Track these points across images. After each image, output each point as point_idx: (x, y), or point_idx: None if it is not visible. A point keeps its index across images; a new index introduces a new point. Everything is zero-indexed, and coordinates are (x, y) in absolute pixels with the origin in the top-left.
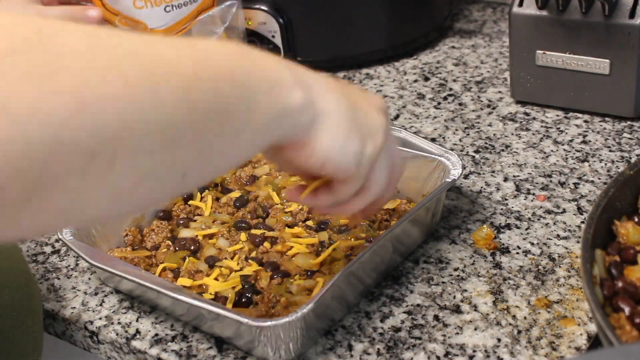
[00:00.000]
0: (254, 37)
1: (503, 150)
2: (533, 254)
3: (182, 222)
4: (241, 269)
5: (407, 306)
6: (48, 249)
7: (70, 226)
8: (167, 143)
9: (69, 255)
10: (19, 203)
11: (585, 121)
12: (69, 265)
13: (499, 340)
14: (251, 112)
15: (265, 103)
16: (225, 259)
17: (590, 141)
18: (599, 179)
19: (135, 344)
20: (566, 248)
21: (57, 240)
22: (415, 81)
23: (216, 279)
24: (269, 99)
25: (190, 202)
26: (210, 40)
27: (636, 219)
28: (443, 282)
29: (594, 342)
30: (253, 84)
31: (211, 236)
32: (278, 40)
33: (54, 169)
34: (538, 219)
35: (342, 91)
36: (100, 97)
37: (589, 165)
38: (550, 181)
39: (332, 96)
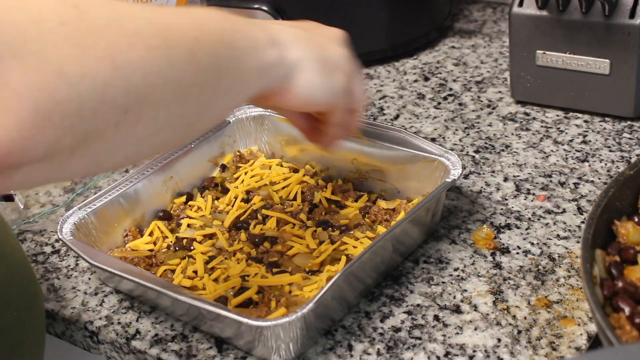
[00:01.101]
0: None
1: (503, 150)
2: (533, 254)
3: (182, 222)
4: (241, 269)
5: (407, 306)
6: (48, 249)
7: (101, 171)
8: (179, 98)
9: (69, 255)
10: (69, 152)
11: (585, 121)
12: (69, 265)
13: (499, 340)
14: (239, 70)
15: (249, 61)
16: (226, 258)
17: (590, 141)
18: (599, 179)
19: (135, 344)
20: (566, 248)
21: (57, 240)
22: (415, 81)
23: (216, 279)
24: (252, 57)
25: (190, 203)
26: (202, 7)
27: (636, 219)
28: (443, 282)
29: (594, 342)
30: (239, 44)
31: (211, 236)
32: None
33: (98, 122)
34: (538, 219)
35: (307, 36)
36: (130, 60)
37: (589, 165)
38: (550, 181)
39: (300, 45)
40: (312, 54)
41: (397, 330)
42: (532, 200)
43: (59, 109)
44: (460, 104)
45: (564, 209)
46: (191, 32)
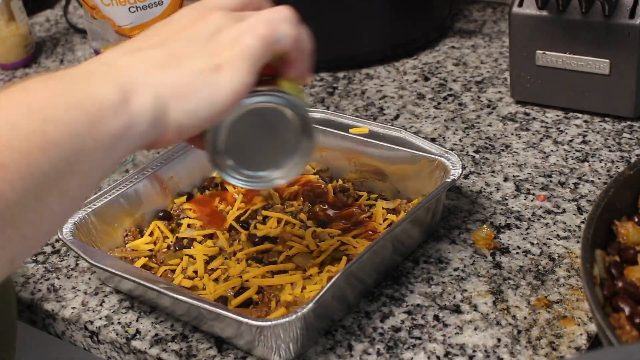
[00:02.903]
0: None
1: (503, 150)
2: (533, 254)
3: (182, 222)
4: (241, 269)
5: (407, 306)
6: (48, 249)
7: None
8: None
9: (69, 255)
10: None
11: (585, 121)
12: (69, 265)
13: (499, 340)
14: (75, 164)
15: (95, 142)
16: (226, 259)
17: (590, 141)
18: (599, 179)
19: (135, 344)
20: (566, 248)
21: (57, 240)
22: (415, 81)
23: (216, 279)
24: (92, 139)
25: (190, 202)
26: (34, 83)
27: (636, 219)
28: (443, 282)
29: (594, 342)
30: (69, 133)
31: (211, 236)
32: None
33: None
34: (538, 219)
35: (164, 54)
36: None
37: (589, 165)
38: (550, 181)
39: (156, 76)
40: (174, 76)
41: (397, 330)
42: (532, 200)
43: None
44: (460, 104)
45: (564, 209)
46: (37, 142)
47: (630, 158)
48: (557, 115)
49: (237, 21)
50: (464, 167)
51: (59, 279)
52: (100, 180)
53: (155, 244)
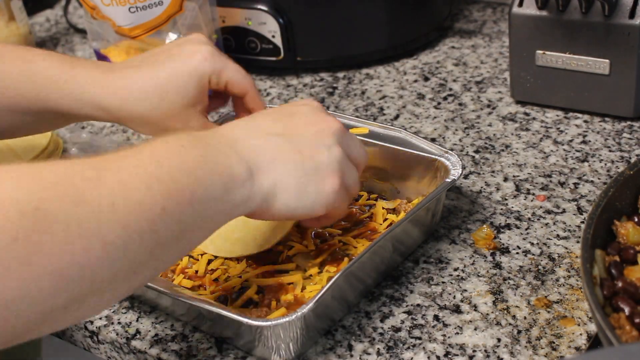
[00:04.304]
0: (254, 37)
1: (503, 150)
2: (533, 254)
3: None
4: (241, 269)
5: (407, 306)
6: None
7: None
8: (129, 275)
9: None
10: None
11: (585, 121)
12: None
13: (499, 340)
14: (207, 220)
15: (219, 207)
16: (226, 259)
17: (590, 141)
18: (599, 179)
19: (135, 344)
20: (566, 248)
21: None
22: (415, 81)
23: (216, 279)
24: (223, 203)
25: None
26: (171, 144)
27: (636, 219)
28: (443, 282)
29: (594, 342)
30: (211, 193)
31: None
32: (278, 40)
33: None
34: (538, 219)
35: (290, 147)
36: (80, 265)
37: (589, 165)
38: (550, 181)
39: (280, 163)
40: (293, 172)
41: (397, 330)
42: (532, 200)
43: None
44: (460, 104)
45: (564, 209)
46: (158, 205)
47: (630, 158)
48: (557, 115)
49: (347, 155)
50: (464, 167)
51: None
52: (204, 239)
53: None
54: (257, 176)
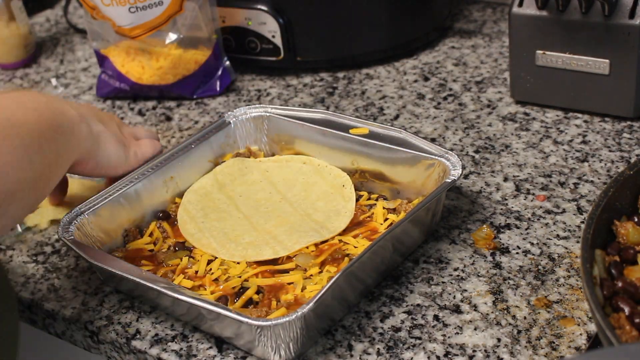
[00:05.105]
0: (254, 37)
1: (503, 150)
2: (533, 254)
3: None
4: (241, 269)
5: (407, 306)
6: (48, 249)
7: None
8: (33, 187)
9: (69, 255)
10: None
11: (585, 121)
12: (69, 265)
13: (498, 340)
14: (67, 147)
15: (72, 138)
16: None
17: (590, 141)
18: (599, 179)
19: (135, 344)
20: (566, 248)
21: (57, 240)
22: (415, 81)
23: (216, 279)
24: (73, 135)
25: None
26: (34, 96)
27: (636, 219)
28: (443, 282)
29: (594, 342)
30: (65, 126)
31: None
32: (278, 40)
33: None
34: (538, 219)
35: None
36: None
37: (589, 165)
38: (550, 181)
39: (98, 120)
40: (107, 128)
41: (397, 330)
42: (532, 200)
43: None
44: (460, 104)
45: (564, 209)
46: (36, 125)
47: (630, 158)
48: (557, 115)
49: None
50: (464, 167)
51: (59, 279)
52: (57, 177)
53: (155, 244)
54: (88, 123)
